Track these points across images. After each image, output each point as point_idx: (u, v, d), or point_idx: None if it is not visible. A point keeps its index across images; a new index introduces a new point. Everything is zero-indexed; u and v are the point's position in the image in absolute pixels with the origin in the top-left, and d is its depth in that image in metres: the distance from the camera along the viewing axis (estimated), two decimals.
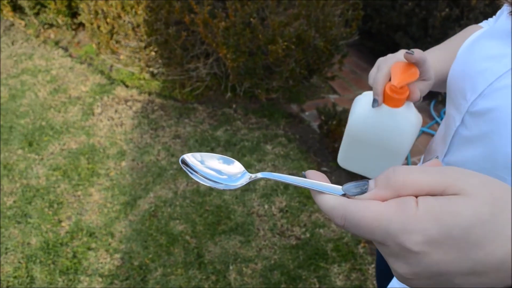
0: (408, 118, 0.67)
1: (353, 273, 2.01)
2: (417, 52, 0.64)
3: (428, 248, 0.30)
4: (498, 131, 0.60)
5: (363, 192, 0.34)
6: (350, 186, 0.35)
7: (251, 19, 2.50)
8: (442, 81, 0.76)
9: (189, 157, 0.42)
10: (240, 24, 2.49)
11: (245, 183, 0.41)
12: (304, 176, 0.38)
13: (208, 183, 0.40)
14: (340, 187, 0.35)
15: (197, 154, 0.42)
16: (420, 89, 0.67)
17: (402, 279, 0.34)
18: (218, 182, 0.41)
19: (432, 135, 2.80)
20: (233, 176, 0.41)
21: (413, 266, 0.32)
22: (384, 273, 1.05)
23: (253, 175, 0.41)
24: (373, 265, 2.04)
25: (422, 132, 2.82)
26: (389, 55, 0.70)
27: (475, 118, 0.65)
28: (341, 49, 2.87)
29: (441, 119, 2.94)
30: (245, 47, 2.56)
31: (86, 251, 2.06)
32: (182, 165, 0.41)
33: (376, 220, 0.31)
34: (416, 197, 0.31)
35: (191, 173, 0.41)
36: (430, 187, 0.31)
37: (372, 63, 0.71)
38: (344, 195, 0.35)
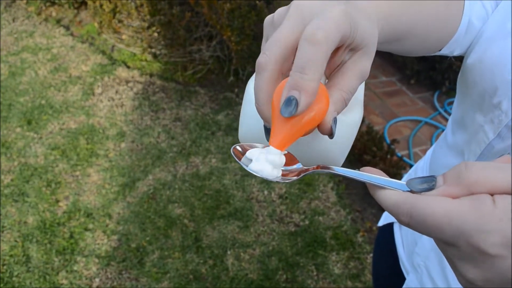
0: (326, 140, 0.40)
1: (351, 261, 2.00)
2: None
3: (505, 251, 0.27)
4: None
5: (430, 188, 0.31)
6: (416, 181, 0.32)
7: (257, 2, 2.45)
8: (402, 32, 0.49)
9: (241, 147, 0.39)
10: (245, 6, 2.45)
11: (299, 176, 0.38)
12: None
13: (261, 175, 0.37)
14: (404, 182, 0.32)
15: (246, 144, 0.39)
16: (349, 76, 0.36)
17: (469, 286, 0.31)
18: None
19: (435, 126, 2.77)
20: (286, 168, 0.38)
21: (485, 271, 0.29)
22: (385, 281, 0.97)
23: (309, 168, 0.38)
24: (371, 254, 2.03)
25: (425, 123, 2.79)
26: (269, 27, 0.38)
27: None
28: None
29: (444, 110, 2.91)
30: (249, 30, 2.52)
31: (83, 232, 2.04)
32: (232, 154, 0.38)
33: (447, 217, 0.28)
34: (491, 195, 0.28)
35: (243, 164, 0.38)
36: (507, 186, 0.28)
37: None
38: (409, 191, 0.32)
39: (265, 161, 0.36)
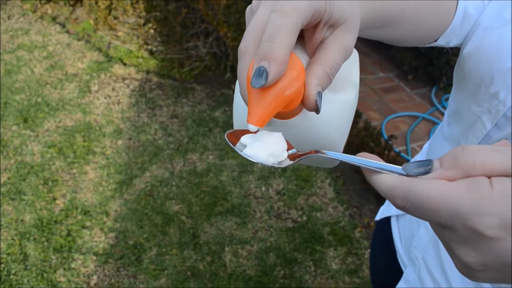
0: (318, 121, 0.39)
1: (349, 257, 2.00)
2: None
3: (503, 233, 0.27)
4: None
5: (426, 172, 0.30)
6: (412, 165, 0.31)
7: None
8: (391, 17, 0.49)
9: (234, 133, 0.38)
10: (241, 2, 2.44)
11: (294, 161, 0.38)
12: None
13: (256, 160, 0.36)
14: (400, 167, 0.32)
15: (239, 130, 0.39)
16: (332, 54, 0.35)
17: (466, 271, 0.31)
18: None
19: (433, 122, 2.77)
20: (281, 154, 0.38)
21: (483, 254, 0.28)
22: (383, 276, 0.98)
23: (304, 153, 0.38)
24: (369, 250, 2.03)
25: (422, 119, 2.79)
26: (249, 16, 0.38)
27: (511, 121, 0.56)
28: None
29: (442, 106, 2.91)
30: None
31: (80, 229, 2.04)
32: (227, 140, 0.38)
33: (443, 201, 0.28)
34: (488, 178, 0.28)
35: (237, 149, 0.37)
36: (503, 168, 0.28)
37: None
38: (405, 175, 0.32)
39: (259, 147, 0.36)
